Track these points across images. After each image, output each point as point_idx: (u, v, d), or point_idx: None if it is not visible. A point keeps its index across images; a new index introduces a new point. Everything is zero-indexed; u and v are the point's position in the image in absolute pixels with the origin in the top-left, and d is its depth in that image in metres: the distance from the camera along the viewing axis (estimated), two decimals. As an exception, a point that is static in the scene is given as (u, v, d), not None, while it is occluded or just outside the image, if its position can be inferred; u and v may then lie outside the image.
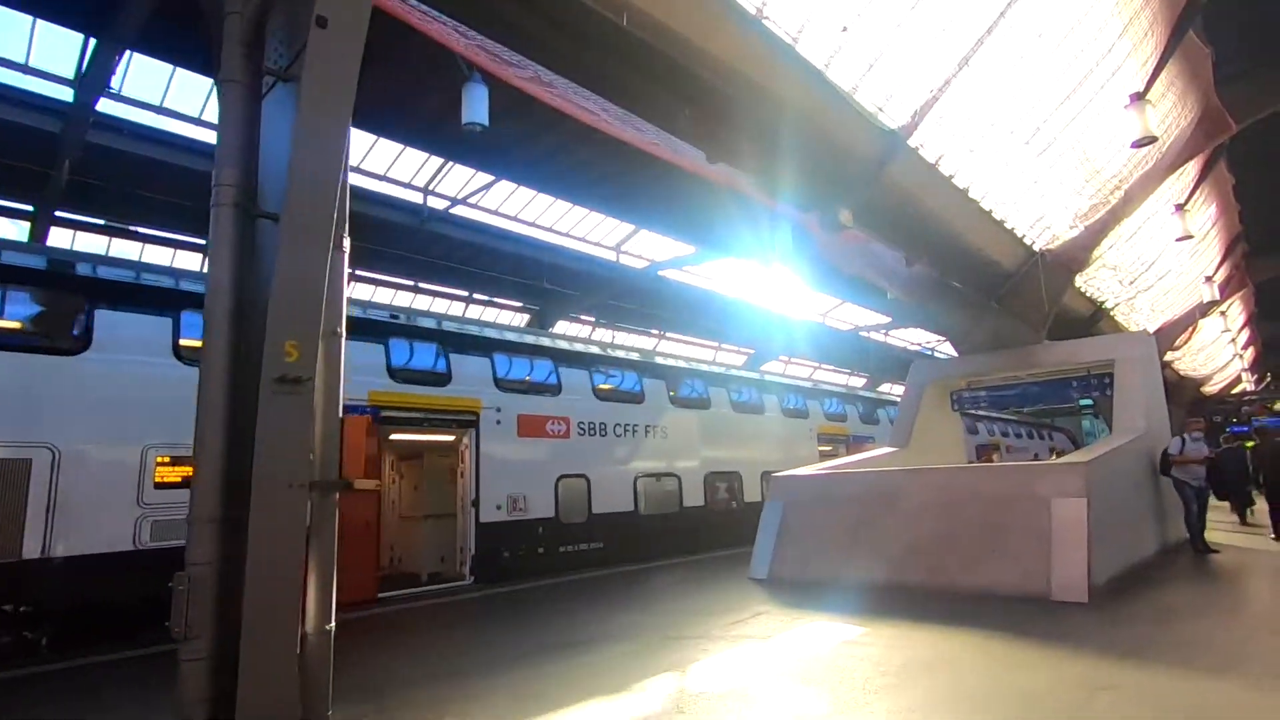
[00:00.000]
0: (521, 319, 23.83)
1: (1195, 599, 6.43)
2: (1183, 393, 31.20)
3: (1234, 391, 40.09)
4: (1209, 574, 7.47)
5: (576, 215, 18.71)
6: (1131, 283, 16.75)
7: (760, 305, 25.43)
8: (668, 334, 28.37)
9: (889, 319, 27.71)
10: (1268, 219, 18.11)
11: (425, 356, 10.10)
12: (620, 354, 13.57)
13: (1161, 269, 17.18)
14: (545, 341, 12.09)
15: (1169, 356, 25.18)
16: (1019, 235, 12.75)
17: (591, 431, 12.06)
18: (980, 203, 11.16)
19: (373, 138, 14.16)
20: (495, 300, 22.61)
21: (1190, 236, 13.81)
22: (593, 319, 25.19)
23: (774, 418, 16.22)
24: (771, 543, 9.04)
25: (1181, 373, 29.47)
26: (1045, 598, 6.63)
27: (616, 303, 22.58)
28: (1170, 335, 21.54)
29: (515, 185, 16.48)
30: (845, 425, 18.64)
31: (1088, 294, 16.98)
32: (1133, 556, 7.76)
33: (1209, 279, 18.81)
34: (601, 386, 12.60)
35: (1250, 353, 32.90)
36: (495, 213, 17.65)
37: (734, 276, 23.85)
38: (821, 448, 17.16)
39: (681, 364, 14.72)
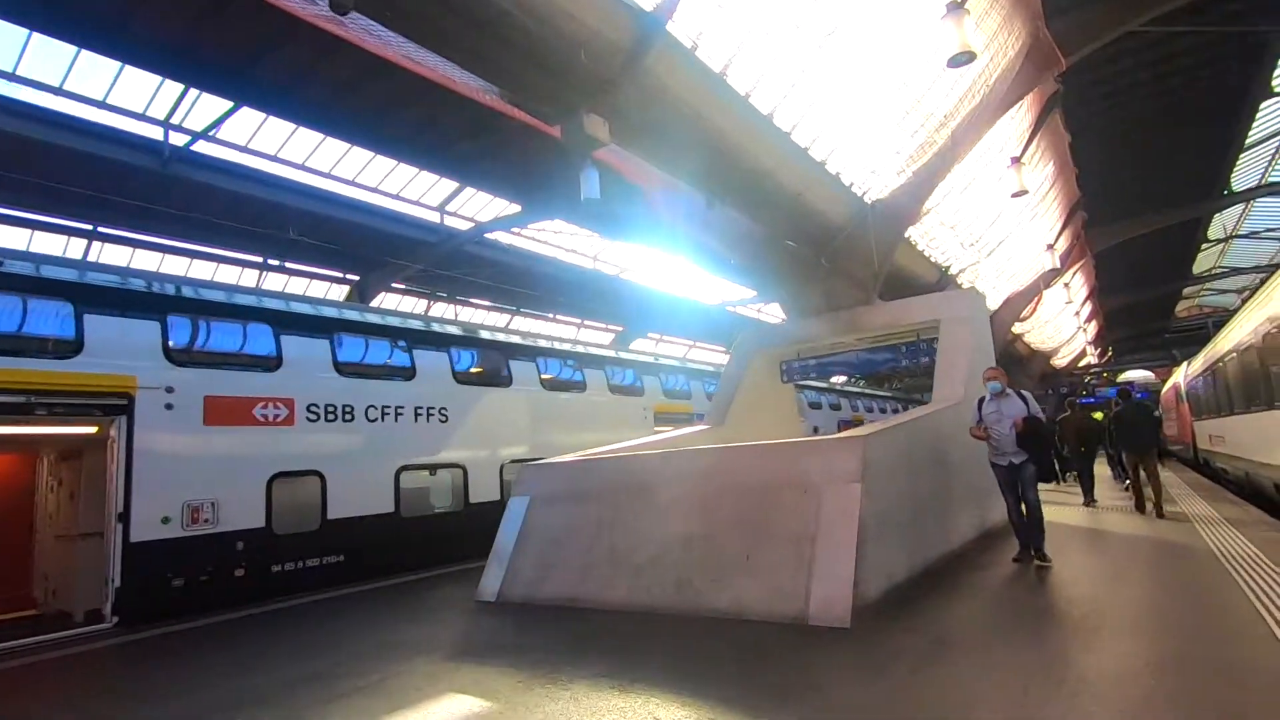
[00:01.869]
0: (340, 292, 20.75)
1: (984, 619, 4.85)
2: (1034, 366, 32.20)
3: (1080, 365, 42.50)
4: (1015, 577, 5.99)
5: (383, 166, 15.97)
6: (973, 245, 15.97)
7: (618, 277, 23.54)
8: (523, 310, 25.97)
9: (755, 292, 26.56)
10: (1102, 187, 17.96)
11: (29, 317, 7.19)
12: (377, 318, 11.00)
13: (1003, 231, 16.56)
14: (253, 300, 9.34)
15: (1018, 329, 25.44)
16: (846, 183, 11.28)
17: (330, 416, 9.50)
18: (791, 135, 9.49)
19: (72, 48, 10.88)
20: (300, 268, 19.38)
21: (1026, 192, 12.91)
22: (425, 291, 22.41)
23: (598, 396, 14.21)
24: (508, 552, 6.94)
25: (1032, 346, 30.25)
26: (802, 621, 4.86)
27: (446, 272, 19.85)
28: (1017, 305, 21.43)
29: (294, 126, 13.57)
30: (689, 403, 16.95)
31: (932, 258, 16.09)
32: (927, 555, 6.20)
33: (1050, 246, 18.53)
34: (349, 360, 10.04)
35: (1093, 326, 34.46)
36: (274, 158, 14.59)
37: (587, 245, 21.77)
38: (659, 428, 15.35)
39: (468, 333, 12.34)
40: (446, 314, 23.99)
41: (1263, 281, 12.49)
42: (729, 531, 5.61)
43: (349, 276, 20.36)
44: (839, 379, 35.80)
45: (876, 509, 5.39)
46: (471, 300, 24.11)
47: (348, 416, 9.71)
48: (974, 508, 7.59)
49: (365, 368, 10.31)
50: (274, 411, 8.90)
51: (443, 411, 10.99)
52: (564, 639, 5.13)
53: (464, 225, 18.38)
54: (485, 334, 12.64)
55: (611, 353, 15.74)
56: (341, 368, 9.85)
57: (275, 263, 18.63)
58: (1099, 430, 11.30)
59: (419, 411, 10.66)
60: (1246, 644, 3.98)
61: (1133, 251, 24.28)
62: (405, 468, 10.34)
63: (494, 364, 12.34)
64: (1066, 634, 4.30)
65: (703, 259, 18.67)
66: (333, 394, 9.60)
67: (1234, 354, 12.59)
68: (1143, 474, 9.54)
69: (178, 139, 12.97)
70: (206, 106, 12.67)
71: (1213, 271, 31.75)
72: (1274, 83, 14.43)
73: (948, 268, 16.48)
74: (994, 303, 21.14)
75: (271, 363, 9.08)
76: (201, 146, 13.19)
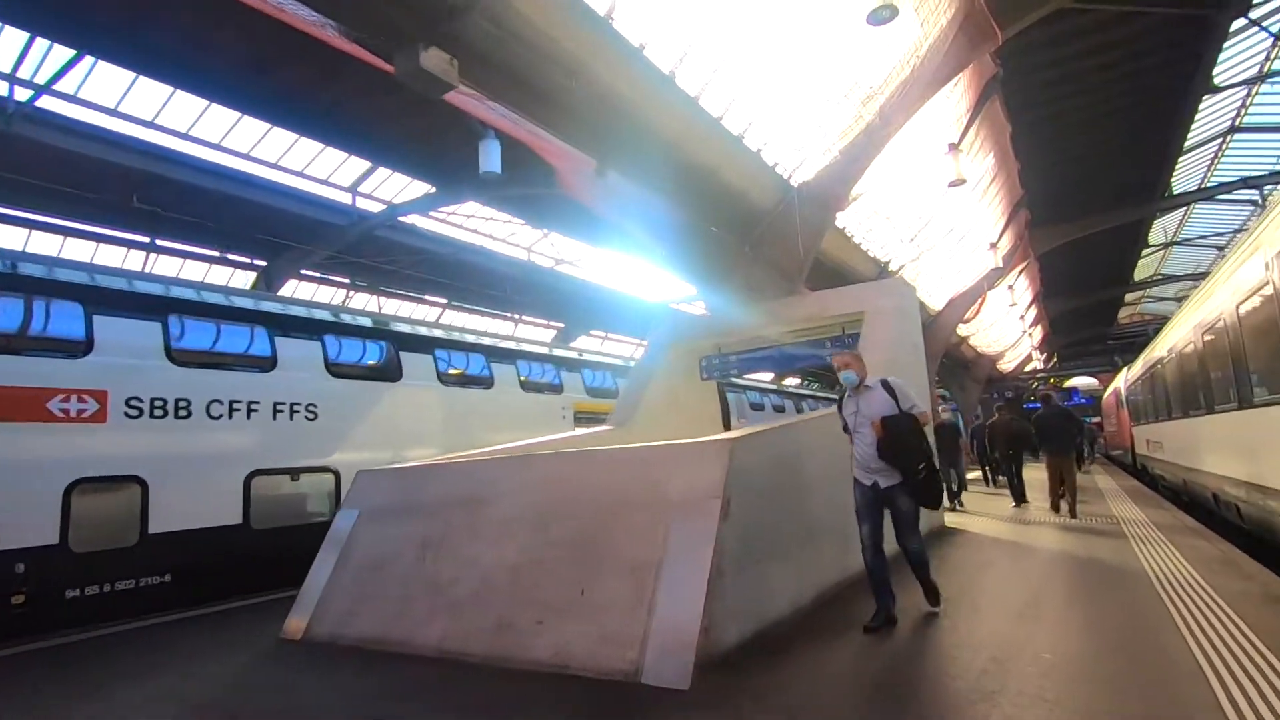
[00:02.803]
0: (246, 278, 19.07)
1: (860, 678, 3.80)
2: (980, 369, 32.04)
3: (1027, 369, 42.79)
4: (912, 615, 4.93)
5: (283, 141, 14.58)
6: (912, 240, 15.22)
7: (553, 269, 22.35)
8: (454, 304, 24.54)
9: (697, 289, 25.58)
10: (1045, 185, 17.45)
11: None
12: (223, 298, 9.55)
13: (944, 227, 15.87)
14: (48, 272, 7.82)
15: (964, 331, 25.03)
16: (769, 163, 10.33)
17: (158, 412, 8.08)
18: (699, 100, 8.44)
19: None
20: (198, 251, 17.67)
21: (963, 181, 12.15)
22: (343, 280, 20.84)
23: (508, 393, 12.97)
24: (323, 578, 5.69)
25: (978, 349, 30.01)
26: (634, 679, 3.75)
27: (361, 259, 18.36)
28: (961, 306, 20.90)
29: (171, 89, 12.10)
30: (615, 402, 15.80)
31: (870, 252, 15.29)
32: (820, 584, 5.16)
33: (993, 245, 17.97)
34: (187, 346, 8.62)
35: (1039, 331, 34.49)
36: (150, 124, 13.06)
37: (524, 236, 20.51)
38: (581, 429, 14.19)
39: (346, 319, 10.96)
40: (369, 306, 22.48)
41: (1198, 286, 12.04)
42: (565, 559, 4.48)
43: (256, 262, 18.70)
44: (794, 381, 35.19)
45: (746, 531, 4.33)
46: (395, 292, 22.62)
47: (182, 413, 8.29)
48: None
49: (209, 356, 8.90)
50: (78, 406, 7.45)
51: (311, 408, 9.63)
52: (324, 707, 3.92)
53: (378, 208, 17.02)
54: (368, 321, 11.28)
55: (525, 346, 14.50)
56: (176, 355, 8.42)
57: (165, 244, 16.95)
58: (1027, 434, 11.25)
59: (279, 407, 9.28)
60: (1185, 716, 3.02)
61: (1076, 256, 24.05)
62: (259, 472, 8.96)
63: (379, 355, 11.00)
64: (958, 703, 3.27)
65: (630, 249, 17.60)
66: (163, 386, 8.17)
67: (1171, 358, 12.05)
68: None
69: (23, 94, 11.36)
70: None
71: (1153, 278, 32.05)
72: (1214, 78, 14.02)
73: (887, 263, 15.72)
74: (938, 303, 20.58)
75: (77, 347, 7.62)
76: (66, 109, 11.64)
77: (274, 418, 9.20)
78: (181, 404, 8.28)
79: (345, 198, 16.71)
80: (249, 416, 8.92)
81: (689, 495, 4.24)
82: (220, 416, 8.63)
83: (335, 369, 10.12)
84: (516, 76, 6.31)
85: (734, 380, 19.61)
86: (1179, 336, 11.36)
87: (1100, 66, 12.75)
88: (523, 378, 13.41)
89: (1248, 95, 16.07)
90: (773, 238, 10.81)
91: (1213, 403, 9.00)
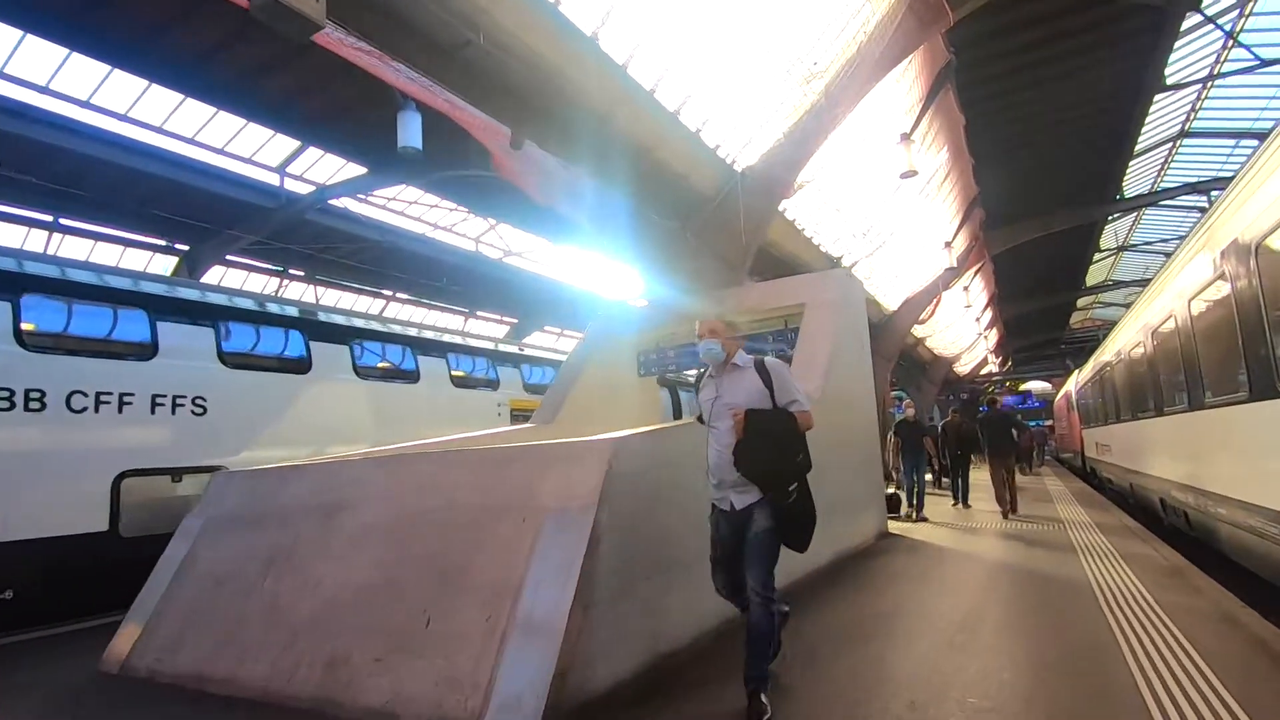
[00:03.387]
0: (166, 264, 17.78)
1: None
2: (937, 371, 32.07)
3: (983, 372, 43.28)
4: (829, 639, 4.33)
5: (200, 114, 13.45)
6: (865, 235, 14.78)
7: (502, 262, 21.46)
8: (399, 296, 23.49)
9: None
10: (999, 185, 17.23)
11: None
12: (93, 277, 8.50)
13: (898, 223, 15.49)
14: None
15: (920, 332, 24.87)
16: (711, 145, 9.69)
17: (3, 404, 7.05)
18: (627, 67, 7.74)
19: None
20: (106, 232, 16.37)
21: (915, 172, 11.68)
22: (276, 269, 19.65)
23: (436, 388, 12.09)
24: (155, 598, 4.82)
25: (935, 351, 30.00)
26: (475, 734, 3.02)
27: (292, 245, 17.23)
28: (916, 306, 20.63)
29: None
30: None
31: (822, 247, 14.79)
32: (713, 612, 4.49)
33: (948, 244, 17.68)
34: (43, 329, 7.60)
35: (994, 334, 34.74)
36: (45, 90, 11.90)
37: (474, 226, 19.57)
38: (519, 427, 13.38)
39: (243, 304, 9.95)
40: (305, 297, 21.30)
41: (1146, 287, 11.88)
42: (417, 579, 3.72)
43: (177, 246, 17.42)
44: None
45: (633, 546, 3.64)
46: (334, 282, 21.47)
47: (34, 405, 7.25)
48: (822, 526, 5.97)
49: (72, 341, 7.88)
50: (-106, 395, 6.41)
51: (198, 401, 8.65)
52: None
53: (308, 190, 15.95)
54: (271, 307, 10.30)
55: (458, 339, 13.64)
56: (29, 339, 7.38)
57: (70, 224, 15.65)
58: (974, 435, 11.57)
59: (159, 400, 8.28)
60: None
61: (1031, 259, 24.12)
62: (131, 473, 7.96)
63: (285, 344, 10.05)
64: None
65: (576, 238, 16.85)
66: (10, 374, 7.14)
67: (1120, 359, 11.80)
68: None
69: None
70: None
71: (1105, 283, 32.53)
72: (1167, 77, 13.89)
73: (840, 258, 15.25)
74: (893, 302, 20.29)
75: (-105, 328, 6.58)
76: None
77: (152, 412, 8.20)
78: (33, 395, 7.25)
79: (272, 179, 15.60)
80: (120, 410, 7.91)
81: (560, 505, 3.52)
82: (84, 410, 7.61)
83: (230, 358, 9.15)
84: (403, 21, 5.51)
85: (687, 376, 19.05)
86: (1128, 337, 11.09)
87: (1054, 57, 12.47)
88: (454, 372, 12.55)
89: (1197, 99, 16.08)
90: (716, 226, 10.19)
91: (1161, 405, 8.65)
